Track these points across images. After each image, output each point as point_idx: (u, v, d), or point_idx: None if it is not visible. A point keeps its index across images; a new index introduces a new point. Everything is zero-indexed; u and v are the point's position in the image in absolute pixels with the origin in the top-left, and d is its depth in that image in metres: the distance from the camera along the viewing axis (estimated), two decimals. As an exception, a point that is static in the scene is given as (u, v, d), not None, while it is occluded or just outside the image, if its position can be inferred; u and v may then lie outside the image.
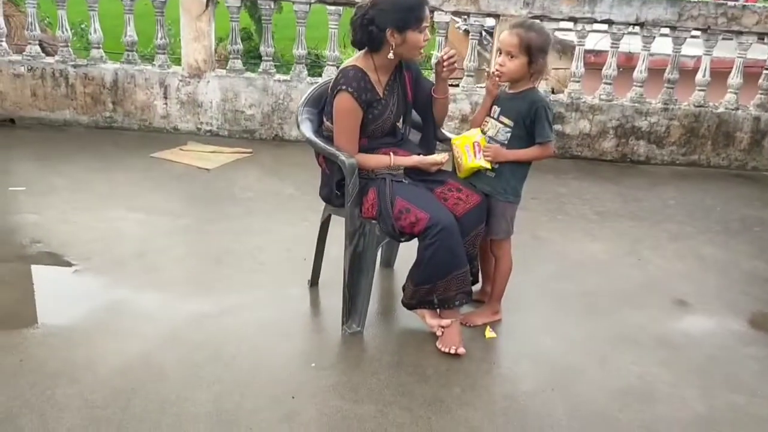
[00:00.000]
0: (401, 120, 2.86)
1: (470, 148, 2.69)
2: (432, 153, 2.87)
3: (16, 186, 4.04)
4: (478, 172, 2.74)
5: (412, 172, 2.74)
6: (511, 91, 2.72)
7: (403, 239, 2.70)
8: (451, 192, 2.72)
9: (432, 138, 2.95)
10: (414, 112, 2.92)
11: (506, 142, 2.70)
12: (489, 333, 2.82)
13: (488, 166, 2.68)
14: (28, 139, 4.97)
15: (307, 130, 2.78)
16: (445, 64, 2.69)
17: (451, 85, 5.54)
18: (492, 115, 2.74)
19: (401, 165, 2.71)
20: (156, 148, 4.90)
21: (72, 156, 4.66)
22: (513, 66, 2.59)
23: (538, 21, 2.84)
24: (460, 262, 2.62)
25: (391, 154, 2.73)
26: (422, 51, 2.66)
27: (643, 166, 5.41)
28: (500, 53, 2.64)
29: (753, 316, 3.15)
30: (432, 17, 2.68)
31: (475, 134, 2.72)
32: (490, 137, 2.73)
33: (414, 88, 2.82)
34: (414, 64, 2.82)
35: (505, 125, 2.70)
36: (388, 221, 2.59)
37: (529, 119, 2.64)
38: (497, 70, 2.64)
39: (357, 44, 2.68)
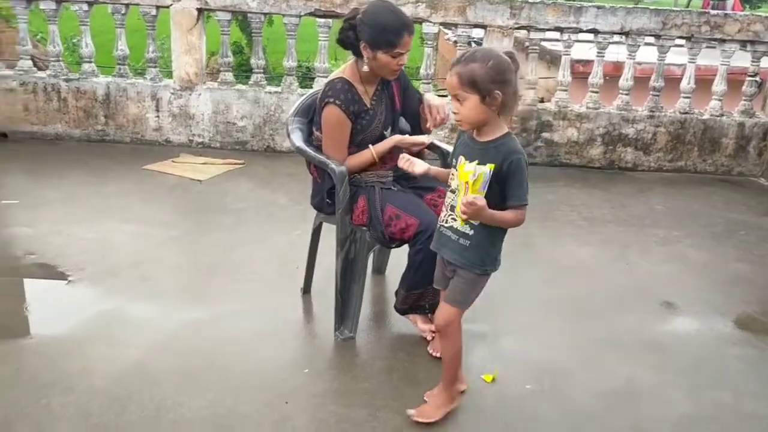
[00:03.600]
0: (389, 129, 2.91)
1: (461, 187, 2.08)
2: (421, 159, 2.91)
3: (9, 199, 4.07)
4: (448, 240, 2.24)
5: (402, 179, 2.78)
6: (481, 139, 2.15)
7: (393, 245, 2.74)
8: (441, 198, 2.75)
9: (421, 145, 3.00)
10: (403, 120, 2.97)
11: None
12: (488, 377, 2.62)
13: (460, 222, 2.14)
14: (21, 153, 5.00)
15: (297, 139, 2.82)
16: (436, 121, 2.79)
17: (441, 95, 5.64)
18: (457, 166, 2.15)
19: (382, 151, 2.72)
20: (148, 160, 4.94)
21: (64, 169, 4.69)
22: (466, 110, 2.07)
23: (484, 48, 2.23)
24: (450, 267, 2.66)
25: (371, 146, 2.73)
26: (396, 71, 2.68)
27: (631, 173, 5.48)
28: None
29: (738, 317, 3.21)
30: (410, 42, 2.69)
31: (477, 170, 2.03)
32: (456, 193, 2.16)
33: (402, 97, 2.87)
34: (403, 74, 2.86)
35: None
36: (379, 228, 2.64)
37: (501, 174, 2.08)
38: (456, 120, 2.14)
39: (339, 42, 2.74)
